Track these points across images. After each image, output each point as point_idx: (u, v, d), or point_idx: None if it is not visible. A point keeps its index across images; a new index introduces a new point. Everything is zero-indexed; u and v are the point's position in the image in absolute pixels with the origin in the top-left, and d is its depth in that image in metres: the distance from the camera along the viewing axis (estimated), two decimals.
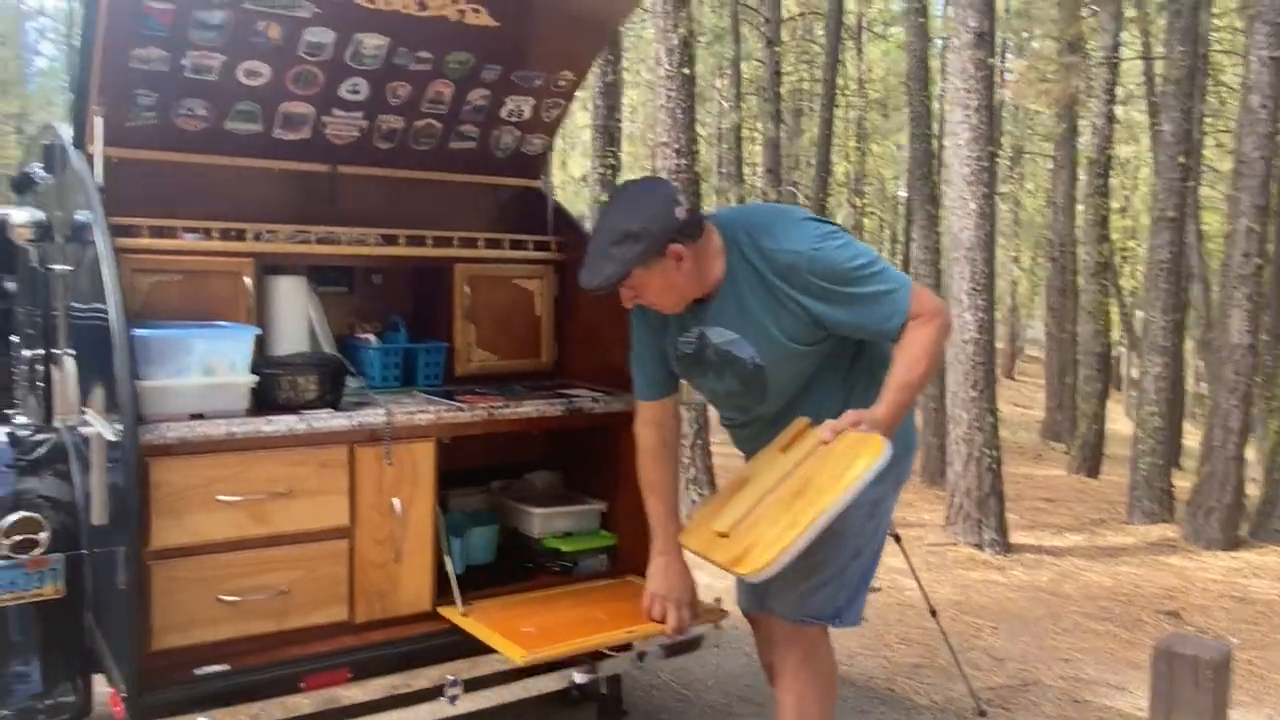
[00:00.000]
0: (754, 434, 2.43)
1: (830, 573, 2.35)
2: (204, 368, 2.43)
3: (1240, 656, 4.42)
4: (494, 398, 2.87)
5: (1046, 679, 4.36)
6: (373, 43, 2.81)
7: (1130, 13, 12.20)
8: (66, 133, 2.90)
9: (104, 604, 2.60)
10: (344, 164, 3.08)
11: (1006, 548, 6.48)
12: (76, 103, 2.68)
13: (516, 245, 3.30)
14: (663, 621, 2.47)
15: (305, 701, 2.41)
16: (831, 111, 13.27)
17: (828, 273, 2.15)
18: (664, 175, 6.59)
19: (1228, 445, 7.04)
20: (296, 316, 2.95)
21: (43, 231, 2.96)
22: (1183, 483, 8.55)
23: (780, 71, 13.91)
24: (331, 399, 2.64)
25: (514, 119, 3.24)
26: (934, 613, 4.00)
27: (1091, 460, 10.85)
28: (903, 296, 2.16)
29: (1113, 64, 10.77)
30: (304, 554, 2.53)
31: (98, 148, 2.62)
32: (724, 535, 2.14)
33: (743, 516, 2.15)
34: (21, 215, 2.95)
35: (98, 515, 2.46)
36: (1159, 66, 10.52)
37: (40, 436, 3.05)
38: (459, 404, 2.76)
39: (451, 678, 2.55)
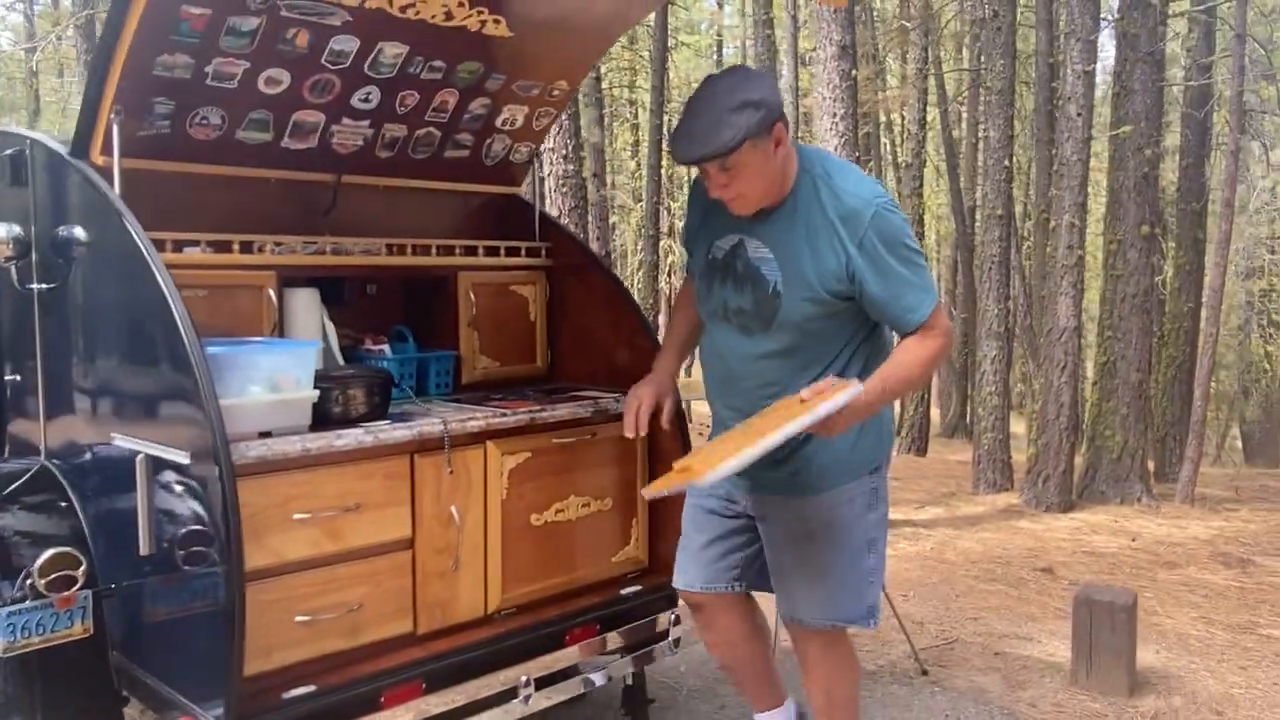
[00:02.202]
0: (731, 375, 2.40)
1: (845, 568, 2.40)
2: (271, 384, 2.36)
3: None
4: (527, 402, 2.91)
5: (965, 637, 4.78)
6: (393, 51, 2.79)
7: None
8: (49, 142, 2.74)
9: (149, 641, 2.47)
10: (347, 173, 3.02)
11: None
12: (84, 111, 2.52)
13: (510, 252, 3.34)
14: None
15: (392, 717, 2.39)
16: (662, 117, 13.67)
17: (884, 234, 2.18)
18: (551, 181, 6.67)
19: (1060, 418, 7.85)
20: (312, 329, 2.89)
21: (23, 249, 2.75)
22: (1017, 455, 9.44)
23: (600, 77, 14.20)
24: (382, 411, 2.61)
25: (507, 127, 3.28)
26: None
27: (920, 441, 11.73)
28: (930, 299, 2.23)
29: (924, 75, 11.68)
30: (372, 568, 2.51)
31: (115, 158, 2.48)
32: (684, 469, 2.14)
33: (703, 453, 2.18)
34: None
35: (145, 545, 2.36)
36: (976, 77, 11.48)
37: (17, 466, 2.86)
38: (502, 409, 2.80)
39: (525, 678, 2.60)
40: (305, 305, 2.86)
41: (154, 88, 2.53)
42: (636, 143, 20.82)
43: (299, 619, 2.37)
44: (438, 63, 2.91)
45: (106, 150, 2.51)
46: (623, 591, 3.04)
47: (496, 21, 2.82)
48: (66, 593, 2.41)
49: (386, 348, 3.05)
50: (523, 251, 3.37)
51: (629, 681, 3.22)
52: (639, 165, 19.22)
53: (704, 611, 2.68)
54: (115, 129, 2.48)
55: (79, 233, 2.66)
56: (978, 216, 9.46)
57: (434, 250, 3.12)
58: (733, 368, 2.40)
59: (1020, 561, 6.32)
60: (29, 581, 2.54)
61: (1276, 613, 5.38)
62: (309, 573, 2.39)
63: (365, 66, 2.79)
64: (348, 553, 2.45)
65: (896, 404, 16.54)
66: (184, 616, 2.33)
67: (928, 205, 24.64)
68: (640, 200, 19.69)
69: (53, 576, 2.38)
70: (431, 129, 3.11)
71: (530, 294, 3.38)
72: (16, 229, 2.76)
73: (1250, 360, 19.13)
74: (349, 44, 2.69)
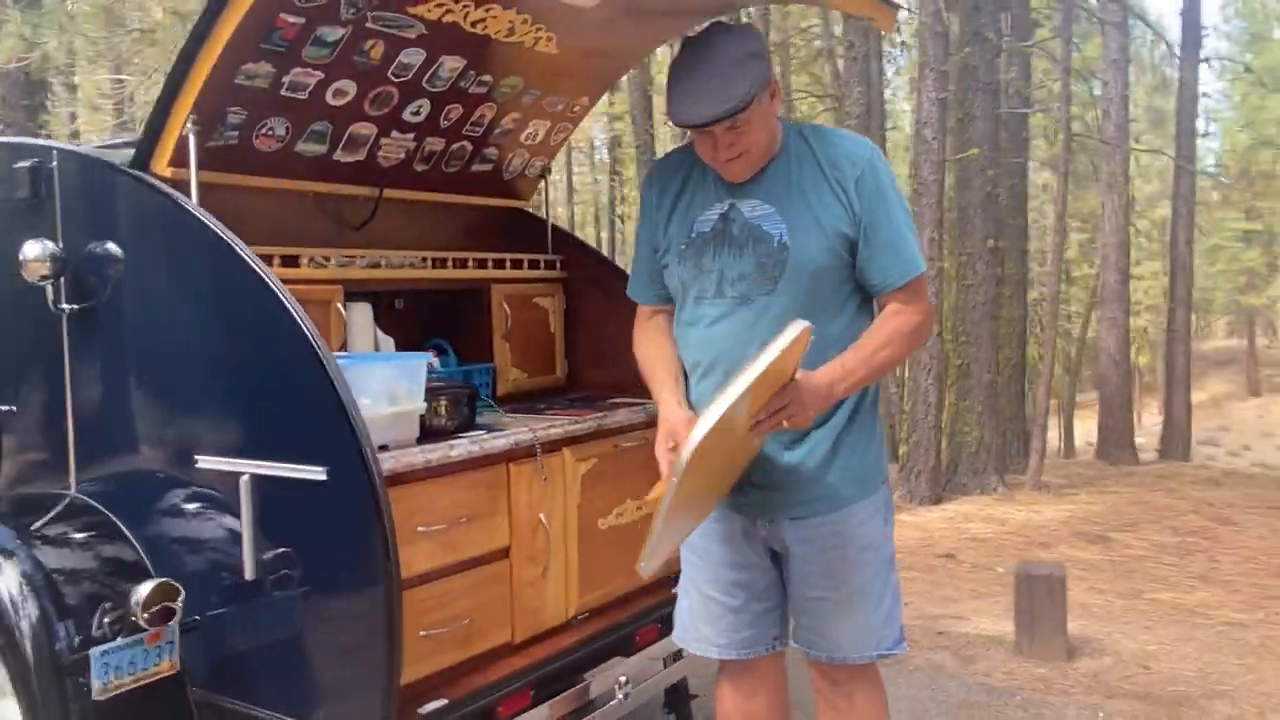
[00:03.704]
0: (723, 358, 2.14)
1: (880, 591, 2.25)
2: (390, 396, 2.33)
3: (1008, 582, 5.44)
4: (587, 410, 2.97)
5: (904, 620, 5.11)
6: (451, 65, 2.80)
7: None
8: (83, 151, 2.61)
9: (252, 672, 2.36)
10: (388, 186, 2.99)
11: None
12: (154, 119, 2.40)
13: (531, 265, 3.38)
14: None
15: None
16: None
17: (880, 179, 2.08)
18: None
19: (928, 418, 8.46)
20: (368, 343, 2.85)
21: (59, 267, 2.57)
22: None
23: None
24: (471, 421, 2.62)
25: (529, 141, 3.32)
26: None
27: None
28: (916, 263, 2.10)
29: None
30: (481, 579, 2.51)
31: (193, 170, 2.39)
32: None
33: None
34: (34, 248, 2.53)
35: (250, 570, 2.28)
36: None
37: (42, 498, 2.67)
38: (571, 416, 2.84)
39: (624, 678, 2.66)
40: (361, 319, 2.82)
41: (231, 97, 2.45)
42: None
43: (421, 633, 2.34)
44: (486, 77, 2.94)
45: (176, 161, 2.41)
46: (674, 590, 3.12)
47: (549, 39, 2.88)
48: (169, 624, 2.28)
49: (436, 361, 3.03)
50: (541, 264, 3.41)
51: (673, 679, 3.30)
52: None
53: (753, 675, 2.36)
54: (191, 139, 2.38)
55: (114, 249, 2.54)
56: None
57: (470, 263, 3.13)
58: (727, 349, 2.14)
59: (919, 550, 6.79)
60: (108, 619, 2.40)
61: (1150, 579, 6.05)
62: (428, 586, 2.37)
63: (424, 80, 2.79)
64: (461, 564, 2.45)
65: None
66: (307, 642, 2.26)
67: None
68: None
69: (154, 609, 2.25)
70: (465, 143, 3.13)
71: (550, 305, 3.43)
72: (53, 246, 2.58)
73: (1027, 362, 21.06)
74: (415, 56, 2.69)
